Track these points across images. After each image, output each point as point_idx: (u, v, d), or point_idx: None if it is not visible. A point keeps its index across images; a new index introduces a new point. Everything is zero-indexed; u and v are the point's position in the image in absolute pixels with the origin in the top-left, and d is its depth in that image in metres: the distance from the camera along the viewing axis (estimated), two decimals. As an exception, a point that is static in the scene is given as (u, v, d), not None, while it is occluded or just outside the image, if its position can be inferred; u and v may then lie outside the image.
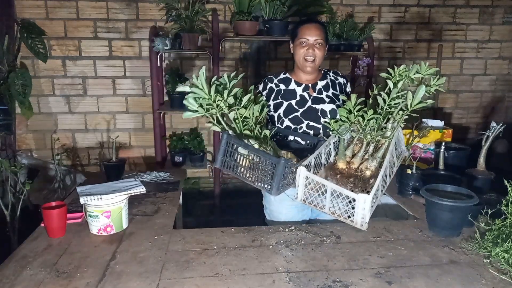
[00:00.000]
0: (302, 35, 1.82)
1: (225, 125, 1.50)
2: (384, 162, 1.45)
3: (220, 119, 1.49)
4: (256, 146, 1.51)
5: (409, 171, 1.77)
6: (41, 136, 3.35)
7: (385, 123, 1.58)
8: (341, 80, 1.96)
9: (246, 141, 1.52)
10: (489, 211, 1.32)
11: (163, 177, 2.07)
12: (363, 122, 1.56)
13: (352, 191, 1.39)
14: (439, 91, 1.52)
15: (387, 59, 3.58)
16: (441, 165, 1.84)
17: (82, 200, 1.40)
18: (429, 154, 2.08)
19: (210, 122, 1.52)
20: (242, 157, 1.49)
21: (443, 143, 1.87)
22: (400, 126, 1.59)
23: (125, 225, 1.49)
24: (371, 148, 1.59)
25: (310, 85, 1.90)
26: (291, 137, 1.84)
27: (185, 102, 1.45)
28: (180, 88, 1.49)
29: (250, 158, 1.48)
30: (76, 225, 1.51)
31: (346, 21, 3.19)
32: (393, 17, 3.54)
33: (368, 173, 1.52)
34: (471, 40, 3.68)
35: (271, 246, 1.36)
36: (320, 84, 1.91)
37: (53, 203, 1.45)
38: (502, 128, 1.72)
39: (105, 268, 1.22)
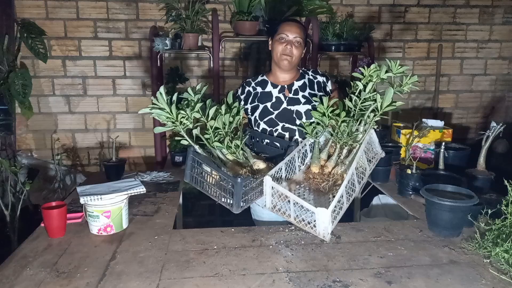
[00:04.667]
0: (282, 31, 1.82)
1: (190, 141, 1.51)
2: (349, 171, 1.42)
3: (185, 135, 1.50)
4: (229, 156, 1.54)
5: (409, 171, 1.77)
6: (41, 136, 3.35)
7: (358, 125, 1.55)
8: (320, 79, 1.94)
9: (219, 152, 1.54)
10: (489, 211, 1.32)
11: (163, 177, 2.07)
12: (337, 125, 1.54)
13: (323, 196, 1.39)
14: (411, 89, 1.49)
15: (387, 59, 3.58)
16: (441, 165, 1.84)
17: (82, 200, 1.40)
18: (429, 154, 2.08)
19: (180, 135, 1.53)
20: (207, 174, 1.52)
21: (443, 143, 1.87)
22: (373, 128, 1.57)
23: (125, 225, 1.49)
24: (344, 151, 1.56)
25: (286, 86, 1.89)
26: (267, 140, 1.81)
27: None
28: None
29: (214, 175, 1.50)
30: (76, 225, 1.51)
31: (346, 21, 3.19)
32: (393, 17, 3.54)
33: (339, 178, 1.51)
34: (471, 40, 3.68)
35: (271, 246, 1.36)
36: (297, 84, 1.90)
37: (53, 203, 1.45)
38: (502, 128, 1.72)
39: (105, 268, 1.22)
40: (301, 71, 1.95)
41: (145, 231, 1.47)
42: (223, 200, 1.48)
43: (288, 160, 1.56)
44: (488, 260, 1.26)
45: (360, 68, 1.52)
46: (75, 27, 3.21)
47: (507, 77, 3.82)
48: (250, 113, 1.90)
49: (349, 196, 1.44)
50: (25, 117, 3.12)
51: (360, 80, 1.50)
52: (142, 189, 1.53)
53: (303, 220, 1.37)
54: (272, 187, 1.40)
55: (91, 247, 1.35)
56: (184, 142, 1.53)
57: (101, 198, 1.41)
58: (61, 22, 3.19)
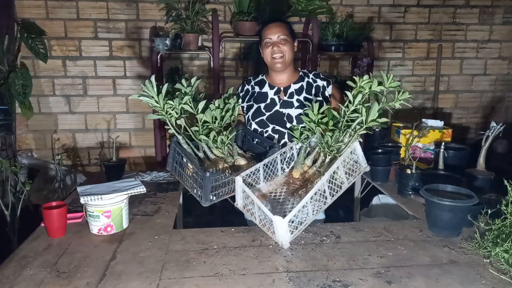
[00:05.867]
0: (265, 36, 1.83)
1: (175, 131, 1.55)
2: (318, 183, 1.38)
3: (170, 125, 1.54)
4: (214, 150, 1.56)
5: (409, 171, 1.77)
6: (41, 136, 3.35)
7: (344, 136, 1.51)
8: (320, 83, 1.90)
9: (204, 145, 1.56)
10: (489, 211, 1.32)
11: (163, 177, 2.08)
12: (324, 133, 1.52)
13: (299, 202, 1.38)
14: (408, 95, 1.46)
15: (387, 59, 3.59)
16: (441, 165, 1.84)
17: (82, 200, 1.40)
18: (429, 154, 2.08)
19: (167, 124, 1.55)
20: (184, 165, 1.55)
21: (443, 143, 1.87)
22: (359, 140, 1.52)
23: (125, 225, 1.49)
24: (327, 160, 1.53)
25: (282, 88, 1.89)
26: (257, 139, 1.80)
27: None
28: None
29: (190, 167, 1.53)
30: (76, 225, 1.51)
31: (346, 21, 3.19)
32: (393, 17, 3.54)
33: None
34: (471, 40, 3.68)
35: (271, 246, 1.36)
36: (293, 87, 1.89)
37: (53, 203, 1.45)
38: (502, 128, 1.72)
39: (105, 268, 1.22)
40: (301, 73, 1.93)
41: (145, 231, 1.47)
42: (194, 191, 1.53)
43: (269, 162, 1.55)
44: (488, 260, 1.26)
45: (354, 77, 1.49)
46: (75, 27, 3.21)
47: (507, 77, 3.82)
48: (245, 112, 1.92)
49: (318, 208, 1.40)
50: (25, 117, 3.12)
51: (351, 89, 1.47)
52: (142, 189, 1.53)
53: (266, 225, 1.37)
54: (243, 188, 1.40)
55: (91, 247, 1.35)
56: (171, 131, 1.57)
57: (101, 198, 1.41)
58: (61, 22, 3.19)
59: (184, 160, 1.55)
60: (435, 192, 1.46)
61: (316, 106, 1.52)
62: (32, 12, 3.14)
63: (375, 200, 2.44)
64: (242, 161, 1.58)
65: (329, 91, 1.91)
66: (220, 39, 3.05)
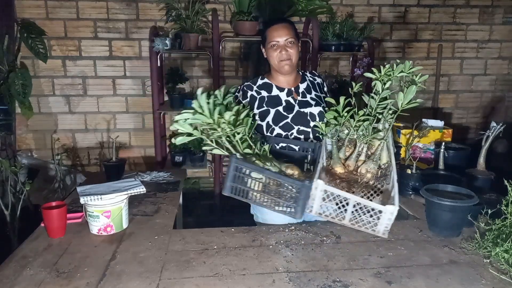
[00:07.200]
0: (271, 38, 1.78)
1: (232, 149, 1.39)
2: (392, 165, 1.43)
3: (227, 143, 1.38)
4: (260, 164, 1.42)
5: (409, 171, 1.77)
6: (41, 136, 3.35)
7: (375, 123, 1.55)
8: (318, 80, 1.93)
9: (259, 163, 1.42)
10: (489, 211, 1.32)
11: (163, 177, 2.07)
12: (353, 124, 1.54)
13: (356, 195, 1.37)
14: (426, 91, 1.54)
15: (387, 59, 3.59)
16: (441, 165, 1.84)
17: (82, 200, 1.40)
18: (429, 154, 2.08)
19: (206, 144, 1.42)
20: (253, 181, 1.38)
21: (443, 143, 1.87)
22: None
23: (125, 225, 1.49)
24: (364, 150, 1.55)
25: (293, 88, 1.85)
26: (282, 144, 1.75)
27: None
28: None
29: (264, 181, 1.38)
30: (76, 225, 1.51)
31: (346, 21, 3.19)
32: (393, 17, 3.54)
33: (369, 175, 1.49)
34: (471, 40, 3.68)
35: (271, 246, 1.36)
36: (302, 87, 1.87)
37: (53, 203, 1.45)
38: (502, 128, 1.72)
39: (105, 268, 1.22)
40: (300, 73, 1.93)
41: (145, 231, 1.47)
42: (278, 208, 1.38)
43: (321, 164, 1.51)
44: (488, 260, 1.26)
45: (373, 68, 1.53)
46: (75, 27, 3.21)
47: (507, 77, 3.82)
48: (259, 119, 1.81)
49: None
50: (25, 117, 3.12)
51: (373, 80, 1.51)
52: (142, 189, 1.53)
53: (362, 221, 1.31)
54: (325, 191, 1.32)
55: (91, 247, 1.35)
56: (217, 151, 1.40)
57: (101, 198, 1.41)
58: (61, 22, 3.19)
59: (258, 176, 1.36)
60: (435, 192, 1.46)
61: (342, 99, 1.53)
62: (32, 12, 3.13)
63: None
64: (295, 169, 1.47)
65: (325, 87, 1.96)
66: (220, 39, 3.05)
